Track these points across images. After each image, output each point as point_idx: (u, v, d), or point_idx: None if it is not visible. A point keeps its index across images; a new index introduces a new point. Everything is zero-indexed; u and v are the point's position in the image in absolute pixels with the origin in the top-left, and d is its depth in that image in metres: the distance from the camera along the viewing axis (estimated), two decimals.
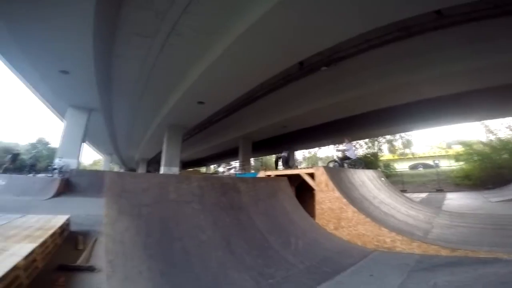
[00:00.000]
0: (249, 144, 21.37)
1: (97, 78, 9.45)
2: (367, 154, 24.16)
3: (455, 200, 9.25)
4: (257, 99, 12.64)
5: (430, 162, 28.60)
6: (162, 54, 8.42)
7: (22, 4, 5.85)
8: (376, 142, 26.31)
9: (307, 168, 4.43)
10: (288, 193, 4.12)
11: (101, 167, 34.93)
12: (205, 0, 6.15)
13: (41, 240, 2.40)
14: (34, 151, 19.07)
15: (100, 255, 2.76)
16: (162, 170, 14.52)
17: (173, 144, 15.06)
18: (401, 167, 28.33)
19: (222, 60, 7.99)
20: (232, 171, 32.97)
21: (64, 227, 3.37)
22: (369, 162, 22.98)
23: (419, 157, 37.72)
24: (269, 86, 11.22)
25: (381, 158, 26.57)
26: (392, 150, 31.10)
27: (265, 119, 16.29)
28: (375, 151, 25.08)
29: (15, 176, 10.79)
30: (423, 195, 11.99)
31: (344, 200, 3.51)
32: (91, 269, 2.47)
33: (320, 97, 12.46)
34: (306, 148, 29.13)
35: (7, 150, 23.70)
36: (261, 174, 5.62)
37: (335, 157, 8.93)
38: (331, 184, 3.74)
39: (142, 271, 1.96)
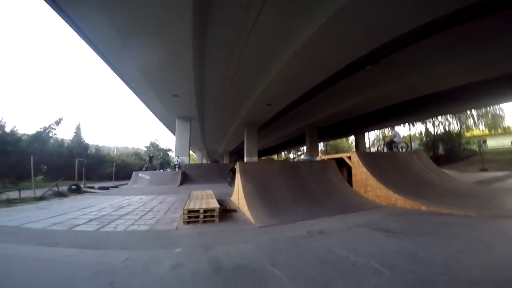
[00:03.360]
0: (315, 131, 23.03)
1: (196, 95, 13.11)
2: (441, 132, 22.65)
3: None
4: (320, 92, 14.18)
5: None
6: (236, 74, 11.32)
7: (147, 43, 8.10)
8: (459, 118, 24.03)
9: (347, 153, 6.49)
10: (334, 170, 6.36)
11: (196, 160, 42.37)
12: (258, 41, 8.51)
13: (215, 199, 5.45)
14: (151, 153, 25.39)
15: (232, 206, 5.70)
16: (245, 159, 18.11)
17: (251, 139, 18.52)
18: (500, 143, 25.02)
19: (283, 72, 10.30)
20: (302, 156, 35.12)
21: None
22: (440, 140, 21.65)
23: None
24: (331, 80, 12.06)
25: (468, 134, 24.22)
26: (489, 125, 27.02)
27: (330, 108, 17.68)
28: (452, 128, 23.16)
29: (154, 172, 15.75)
30: (498, 173, 11.52)
31: (369, 173, 5.53)
32: (235, 210, 5.37)
33: (384, 82, 12.99)
34: (376, 129, 28.62)
35: (136, 153, 32.39)
36: (318, 158, 7.93)
37: (384, 142, 10.32)
38: (360, 163, 5.79)
39: (258, 204, 4.68)
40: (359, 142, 26.06)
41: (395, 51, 9.15)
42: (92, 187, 12.37)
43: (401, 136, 10.15)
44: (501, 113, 25.61)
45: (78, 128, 25.61)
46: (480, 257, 2.21)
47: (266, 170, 5.84)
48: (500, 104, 22.55)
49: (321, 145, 40.03)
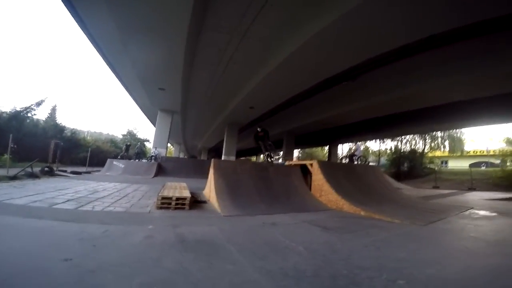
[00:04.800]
0: (292, 137, 24.06)
1: (181, 91, 13.51)
2: (407, 151, 24.64)
3: (458, 196, 10.53)
4: (300, 101, 14.97)
5: (495, 160, 27.01)
6: (223, 75, 11.88)
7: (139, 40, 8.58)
8: (424, 139, 26.17)
9: (310, 160, 7.33)
10: (297, 174, 7.18)
11: (173, 154, 42.08)
12: (250, 47, 9.21)
13: (188, 190, 6.01)
14: (128, 142, 25.19)
15: (203, 198, 6.29)
16: (223, 158, 18.66)
17: (231, 138, 19.15)
18: (459, 164, 27.54)
19: (268, 79, 11.04)
20: (280, 160, 36.13)
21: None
22: (405, 157, 23.61)
23: (483, 155, 35.04)
24: (311, 91, 12.90)
25: (430, 154, 26.40)
26: (452, 147, 29.67)
27: (307, 117, 18.61)
28: (417, 147, 25.27)
29: (129, 161, 15.82)
30: (445, 191, 13.04)
31: (324, 180, 6.38)
32: (205, 202, 5.96)
33: (360, 99, 13.86)
34: (349, 142, 30.27)
35: (112, 140, 31.71)
36: (287, 163, 8.74)
37: (347, 154, 11.41)
38: (319, 171, 6.65)
39: (226, 197, 5.33)
40: (332, 152, 27.52)
41: (371, 70, 10.05)
42: (65, 171, 12.34)
43: (361, 150, 11.30)
44: (461, 137, 28.33)
45: (53, 109, 24.85)
46: (378, 251, 2.93)
47: (239, 169, 6.52)
48: (462, 129, 24.90)
49: (298, 152, 41.52)
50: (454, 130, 25.27)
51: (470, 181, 16.31)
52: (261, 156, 51.43)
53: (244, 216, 4.67)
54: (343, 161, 10.10)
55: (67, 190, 6.46)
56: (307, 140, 26.15)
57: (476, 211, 6.21)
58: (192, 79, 12.91)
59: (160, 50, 9.06)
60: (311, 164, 7.10)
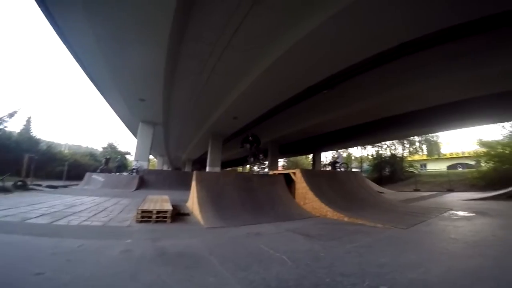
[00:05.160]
0: (277, 147, 24.22)
1: (163, 102, 13.31)
2: (388, 156, 25.47)
3: (437, 198, 10.87)
4: (283, 110, 15.15)
5: (471, 161, 28.45)
6: (206, 85, 11.85)
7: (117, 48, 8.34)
8: (403, 144, 27.14)
9: (293, 170, 7.38)
10: (282, 183, 7.18)
11: (156, 166, 41.03)
12: (233, 58, 9.31)
13: (169, 203, 5.84)
14: (108, 155, 24.42)
15: (186, 210, 6.13)
16: (207, 169, 18.38)
17: (215, 149, 18.95)
18: (437, 167, 28.74)
19: (251, 89, 11.11)
20: (266, 169, 36.17)
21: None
22: (386, 162, 24.40)
23: (459, 157, 36.79)
24: (294, 100, 12.96)
25: (410, 158, 27.41)
26: (429, 151, 31.11)
27: (291, 126, 18.79)
28: (397, 152, 26.14)
29: (109, 175, 15.26)
30: (425, 193, 13.53)
31: (308, 188, 6.43)
32: (188, 214, 5.80)
33: (340, 107, 14.07)
34: (331, 150, 30.93)
35: (91, 154, 30.56)
36: (271, 172, 8.75)
37: (329, 161, 11.63)
38: (302, 179, 6.70)
39: (209, 209, 5.22)
40: (316, 160, 27.89)
41: (349, 79, 10.27)
42: (40, 185, 11.69)
43: (343, 157, 11.55)
44: (437, 140, 29.75)
45: (28, 121, 23.72)
46: (360, 257, 2.93)
47: (222, 180, 6.42)
48: (437, 133, 26.11)
49: (283, 161, 41.74)
50: (430, 135, 26.39)
51: (449, 182, 16.98)
52: (247, 166, 51.34)
53: (228, 227, 4.57)
54: (326, 168, 10.29)
55: (42, 204, 6.12)
56: (291, 149, 26.41)
57: (455, 212, 6.43)
58: (174, 89, 12.77)
59: (140, 60, 8.93)
60: (294, 173, 7.14)
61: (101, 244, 3.07)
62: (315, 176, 7.28)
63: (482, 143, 19.57)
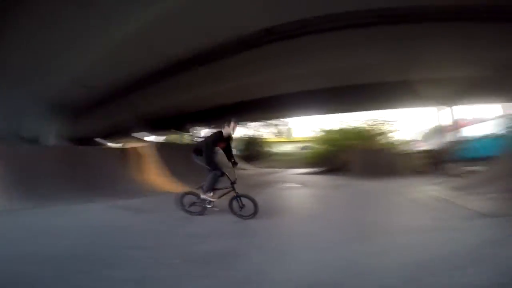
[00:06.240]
0: (145, 122, 22.16)
1: None
2: (251, 137, 29.11)
3: (283, 173, 13.35)
4: (150, 84, 13.63)
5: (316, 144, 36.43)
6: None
7: None
8: (264, 125, 31.33)
9: (143, 144, 7.01)
10: (122, 157, 6.68)
11: None
12: None
13: None
14: None
15: None
16: None
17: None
18: (292, 147, 34.96)
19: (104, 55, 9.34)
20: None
21: None
22: (253, 143, 27.84)
23: (308, 140, 46.13)
24: (164, 73, 12.24)
25: (269, 140, 32.17)
26: (279, 133, 36.85)
27: (161, 101, 17.35)
28: (261, 134, 30.19)
29: None
30: (276, 170, 16.17)
31: (155, 164, 6.30)
32: None
33: (204, 85, 14.25)
34: (203, 127, 31.60)
35: None
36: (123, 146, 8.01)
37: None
38: (151, 154, 6.50)
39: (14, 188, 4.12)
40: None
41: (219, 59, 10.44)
42: None
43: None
44: (290, 125, 36.31)
45: None
46: (177, 229, 2.97)
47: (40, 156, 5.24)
48: (291, 117, 31.47)
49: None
50: (285, 119, 31.57)
51: (295, 161, 21.02)
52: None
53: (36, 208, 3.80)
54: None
55: None
56: (162, 125, 24.98)
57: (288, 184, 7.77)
58: None
59: None
60: (143, 148, 6.76)
61: None
62: (165, 150, 7.13)
63: (322, 130, 25.21)
